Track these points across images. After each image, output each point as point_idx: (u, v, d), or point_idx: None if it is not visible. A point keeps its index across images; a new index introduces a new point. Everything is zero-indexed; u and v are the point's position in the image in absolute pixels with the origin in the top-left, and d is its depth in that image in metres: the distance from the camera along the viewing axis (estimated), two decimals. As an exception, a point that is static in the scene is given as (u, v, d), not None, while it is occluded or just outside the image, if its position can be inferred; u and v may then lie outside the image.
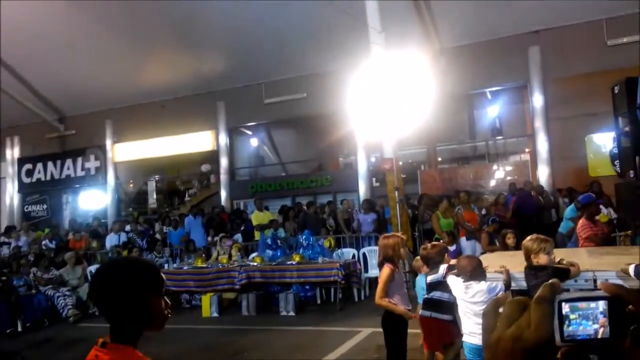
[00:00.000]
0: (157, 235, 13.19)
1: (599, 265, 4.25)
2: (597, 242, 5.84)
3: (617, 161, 10.36)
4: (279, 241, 10.26)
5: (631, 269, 3.78)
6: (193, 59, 14.86)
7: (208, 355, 6.63)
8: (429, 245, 5.24)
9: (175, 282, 9.61)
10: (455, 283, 4.22)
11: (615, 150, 9.96)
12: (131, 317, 1.50)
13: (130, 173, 18.99)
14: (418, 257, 5.29)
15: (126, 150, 17.65)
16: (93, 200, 18.11)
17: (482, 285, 3.95)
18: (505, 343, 0.62)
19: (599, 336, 0.62)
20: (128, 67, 15.05)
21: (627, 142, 7.17)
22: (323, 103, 13.69)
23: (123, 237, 13.02)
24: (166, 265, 10.69)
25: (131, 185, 19.58)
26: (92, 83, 15.71)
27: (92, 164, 18.09)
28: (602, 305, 0.62)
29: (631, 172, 6.94)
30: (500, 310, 0.70)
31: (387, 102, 9.10)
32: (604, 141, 12.21)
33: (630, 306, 0.63)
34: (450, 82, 12.37)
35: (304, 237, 9.86)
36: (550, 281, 0.64)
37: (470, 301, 3.99)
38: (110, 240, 12.84)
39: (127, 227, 13.99)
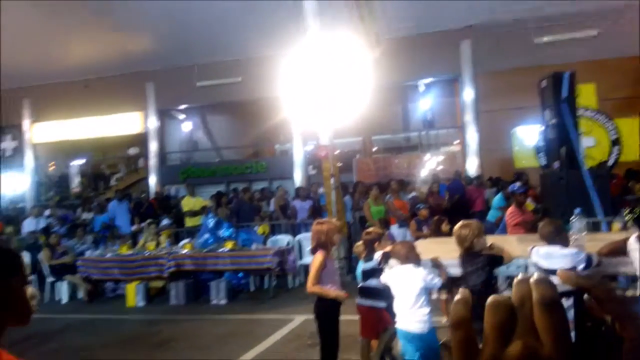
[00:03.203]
0: (78, 221, 12.45)
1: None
2: (526, 228, 6.05)
3: (542, 153, 10.92)
4: (221, 227, 9.88)
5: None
6: (120, 36, 13.99)
7: (132, 346, 6.28)
8: (364, 232, 5.18)
9: (98, 269, 9.09)
10: (390, 269, 4.18)
11: (541, 143, 10.47)
12: None
13: (51, 155, 17.85)
14: (359, 243, 5.20)
15: (46, 131, 16.55)
16: (10, 184, 16.84)
17: (420, 272, 3.90)
18: None
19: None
20: (48, 42, 13.95)
21: (552, 134, 7.49)
22: (259, 88, 13.36)
23: (42, 223, 12.22)
24: (88, 253, 10.08)
25: (52, 167, 18.38)
26: (8, 58, 14.45)
27: (8, 144, 16.87)
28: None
29: (556, 162, 7.26)
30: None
31: (324, 89, 8.99)
32: (528, 134, 12.80)
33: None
34: (385, 73, 12.42)
35: (223, 230, 9.63)
36: (539, 276, 0.47)
37: (404, 287, 3.94)
38: (28, 225, 12.02)
39: (47, 212, 13.15)
